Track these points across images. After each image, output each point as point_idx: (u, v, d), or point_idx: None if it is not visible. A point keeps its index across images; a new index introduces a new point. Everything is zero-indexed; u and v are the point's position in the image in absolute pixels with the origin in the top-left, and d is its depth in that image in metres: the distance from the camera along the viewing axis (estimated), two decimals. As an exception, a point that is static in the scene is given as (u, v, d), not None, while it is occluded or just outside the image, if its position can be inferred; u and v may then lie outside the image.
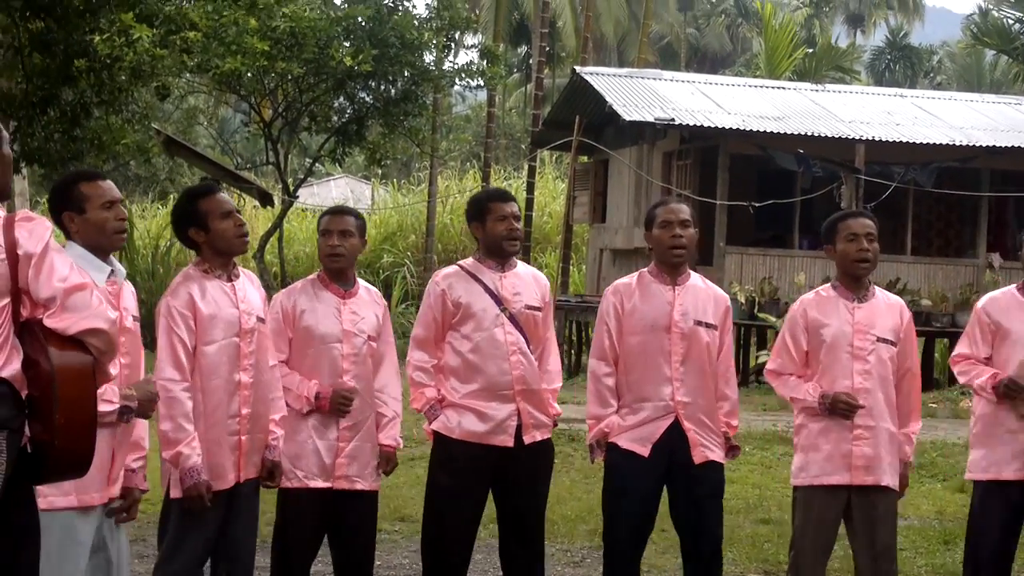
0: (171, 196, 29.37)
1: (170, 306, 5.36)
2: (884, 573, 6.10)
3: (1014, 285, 6.37)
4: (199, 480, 5.26)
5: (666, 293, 6.17)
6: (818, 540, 6.07)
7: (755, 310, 19.66)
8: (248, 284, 5.59)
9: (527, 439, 6.24)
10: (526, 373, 6.24)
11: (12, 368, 3.91)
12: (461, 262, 6.47)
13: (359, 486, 6.03)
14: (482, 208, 6.33)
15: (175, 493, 5.32)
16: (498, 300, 6.24)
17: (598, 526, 9.23)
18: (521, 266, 6.46)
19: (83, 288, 4.00)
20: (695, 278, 6.28)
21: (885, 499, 6.09)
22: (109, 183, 5.05)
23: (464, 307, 6.22)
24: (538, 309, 6.34)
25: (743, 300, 19.97)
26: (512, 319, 6.23)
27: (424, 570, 6.38)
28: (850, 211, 6.35)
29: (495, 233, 6.28)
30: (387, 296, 26.69)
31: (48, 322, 3.93)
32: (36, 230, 3.98)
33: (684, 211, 6.24)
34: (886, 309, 6.17)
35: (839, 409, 5.99)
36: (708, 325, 6.17)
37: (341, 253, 6.06)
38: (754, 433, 13.86)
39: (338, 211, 6.29)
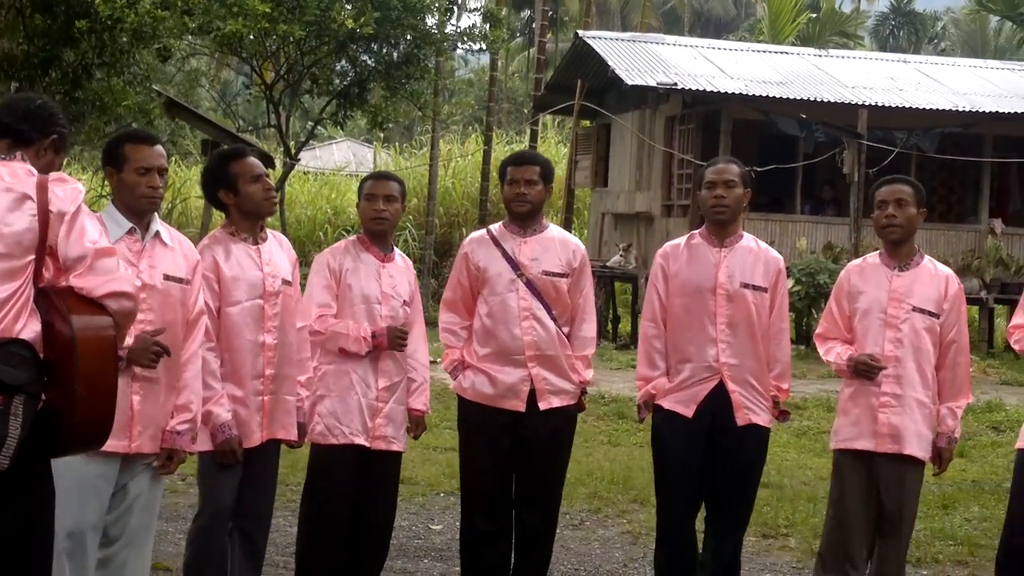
0: (172, 158, 29.30)
1: None
2: (902, 542, 6.11)
3: None
4: (231, 435, 5.36)
5: (713, 255, 6.16)
6: (857, 503, 6.03)
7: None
8: (276, 247, 5.67)
9: (542, 405, 6.27)
10: (538, 339, 6.27)
11: (32, 330, 3.91)
12: (491, 226, 6.55)
13: (394, 447, 6.12)
14: (502, 171, 6.46)
15: (205, 447, 5.37)
16: (515, 265, 6.29)
17: (597, 489, 9.33)
18: (552, 231, 6.48)
19: (111, 253, 4.04)
20: (747, 239, 6.26)
21: (912, 469, 6.05)
22: (156, 149, 5.08)
23: (482, 271, 6.34)
24: (561, 275, 6.34)
25: (744, 265, 19.93)
26: (529, 284, 6.27)
27: (460, 530, 6.55)
28: (888, 177, 6.30)
29: (506, 196, 6.41)
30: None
31: (75, 281, 3.95)
32: (69, 191, 4.03)
33: (730, 171, 6.18)
34: (929, 279, 6.11)
35: (860, 371, 5.98)
36: (756, 287, 6.14)
37: (386, 218, 6.14)
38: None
39: (382, 176, 6.36)
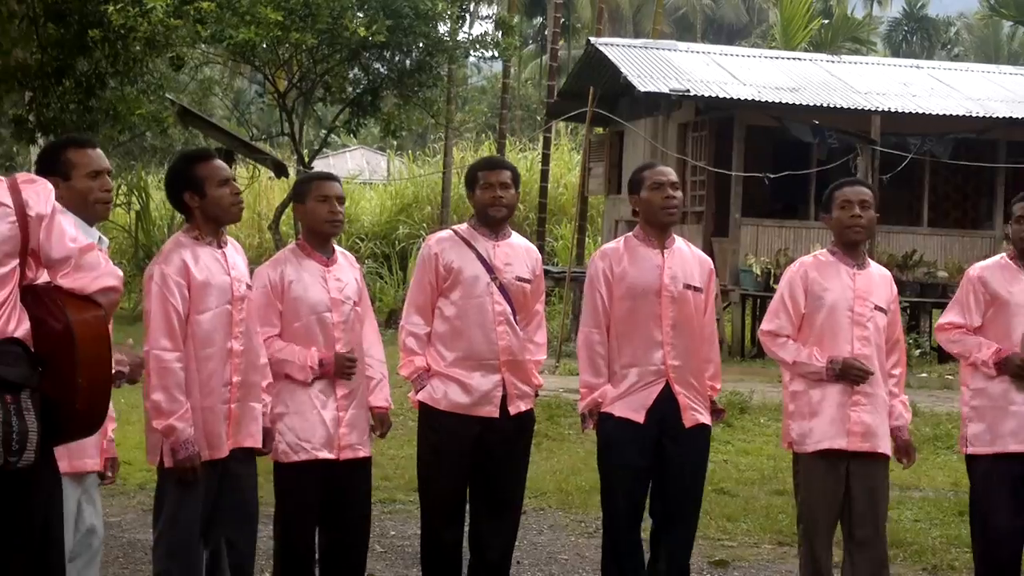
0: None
1: (164, 273, 5.23)
2: (882, 541, 6.06)
3: (1004, 254, 6.32)
4: (192, 452, 5.19)
5: (655, 257, 6.14)
6: (826, 507, 6.00)
7: (771, 281, 19.62)
8: (235, 252, 5.51)
9: (512, 410, 6.20)
10: (512, 344, 6.19)
11: (23, 328, 3.94)
12: (456, 227, 6.42)
13: (361, 453, 5.95)
14: (472, 177, 6.31)
15: (168, 463, 5.25)
16: (490, 269, 6.18)
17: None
18: (515, 236, 6.41)
19: (92, 248, 4.04)
20: (679, 242, 6.28)
21: (883, 467, 6.05)
22: (100, 152, 5.06)
23: (455, 272, 6.17)
24: (528, 281, 6.28)
25: (759, 272, 19.93)
26: (502, 289, 6.18)
27: (421, 539, 6.42)
28: (847, 180, 6.33)
29: (481, 201, 6.24)
30: (403, 267, 26.70)
31: (63, 282, 3.96)
32: (42, 191, 4.02)
33: (673, 173, 6.24)
34: (880, 279, 6.14)
35: (852, 375, 5.92)
36: (695, 288, 6.17)
37: (342, 220, 5.98)
38: (769, 404, 13.85)
39: (329, 177, 6.14)
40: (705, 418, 6.18)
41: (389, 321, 20.69)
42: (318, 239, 5.99)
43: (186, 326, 5.26)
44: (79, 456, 4.80)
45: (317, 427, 5.84)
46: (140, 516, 8.17)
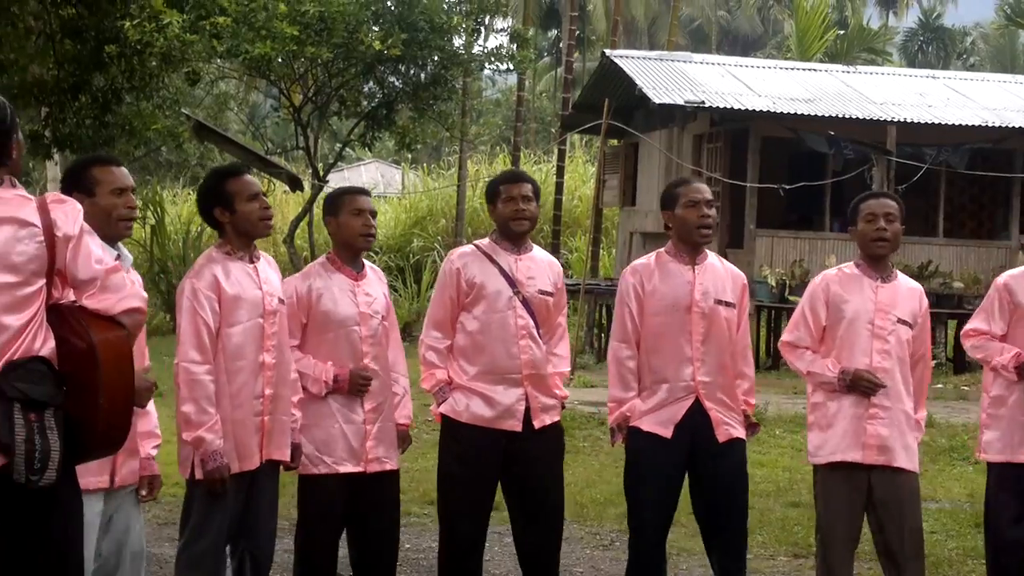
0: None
1: (195, 287, 5.33)
2: (914, 556, 6.04)
3: None
4: (221, 463, 5.26)
5: (686, 273, 6.15)
6: (843, 520, 6.00)
7: (785, 293, 19.59)
8: (267, 266, 5.59)
9: (536, 423, 6.22)
10: (534, 358, 6.21)
11: (49, 347, 3.99)
12: (477, 242, 6.45)
13: (388, 466, 6.01)
14: (494, 190, 6.34)
15: (198, 475, 5.31)
16: (512, 283, 6.21)
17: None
18: (537, 250, 6.44)
19: (118, 269, 4.10)
20: (712, 257, 6.29)
21: (907, 480, 6.03)
22: (125, 170, 5.11)
23: (478, 287, 6.20)
24: (550, 294, 6.32)
25: (774, 283, 19.89)
26: (525, 303, 6.21)
27: (439, 553, 6.42)
28: (873, 192, 6.35)
29: (503, 215, 6.27)
30: (417, 280, 26.71)
31: (88, 303, 4.01)
32: (71, 212, 4.06)
33: (708, 190, 6.26)
34: (907, 292, 6.14)
35: (861, 386, 5.93)
36: (727, 304, 6.16)
37: (374, 233, 6.07)
38: (784, 416, 13.84)
39: (362, 191, 6.22)
40: (739, 432, 6.18)
41: (403, 334, 20.71)
42: (349, 253, 6.05)
43: (217, 339, 5.33)
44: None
45: (338, 440, 5.90)
46: (156, 529, 8.19)
